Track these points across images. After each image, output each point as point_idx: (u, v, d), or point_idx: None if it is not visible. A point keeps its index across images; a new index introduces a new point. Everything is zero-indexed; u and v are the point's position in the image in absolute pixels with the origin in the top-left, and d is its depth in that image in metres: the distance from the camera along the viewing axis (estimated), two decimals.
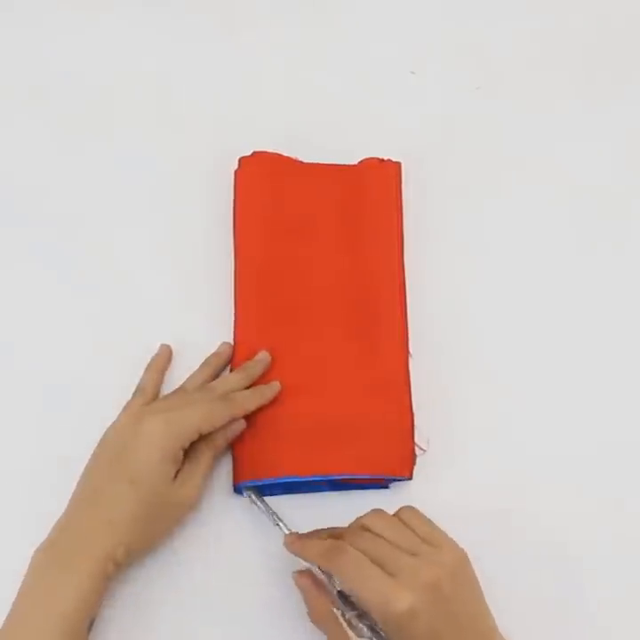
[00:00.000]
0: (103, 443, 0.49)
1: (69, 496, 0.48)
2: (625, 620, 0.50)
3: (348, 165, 0.61)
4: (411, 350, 0.55)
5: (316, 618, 0.46)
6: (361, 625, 0.44)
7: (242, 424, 0.51)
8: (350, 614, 0.45)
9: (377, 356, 0.54)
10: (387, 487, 0.52)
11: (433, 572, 0.44)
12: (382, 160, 0.61)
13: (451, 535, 0.50)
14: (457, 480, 0.53)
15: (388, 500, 0.51)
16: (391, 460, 0.52)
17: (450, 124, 0.66)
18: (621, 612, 0.50)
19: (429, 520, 0.47)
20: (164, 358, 0.56)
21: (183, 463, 0.48)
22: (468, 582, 0.46)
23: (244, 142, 0.62)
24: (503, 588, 0.49)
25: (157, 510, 0.47)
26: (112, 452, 0.48)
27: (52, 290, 0.58)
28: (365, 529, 0.46)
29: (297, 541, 0.48)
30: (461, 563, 0.46)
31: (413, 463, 0.52)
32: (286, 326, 0.56)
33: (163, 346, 0.56)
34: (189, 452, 0.49)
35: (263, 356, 0.54)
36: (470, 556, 0.49)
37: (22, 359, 0.56)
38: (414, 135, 0.65)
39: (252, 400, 0.52)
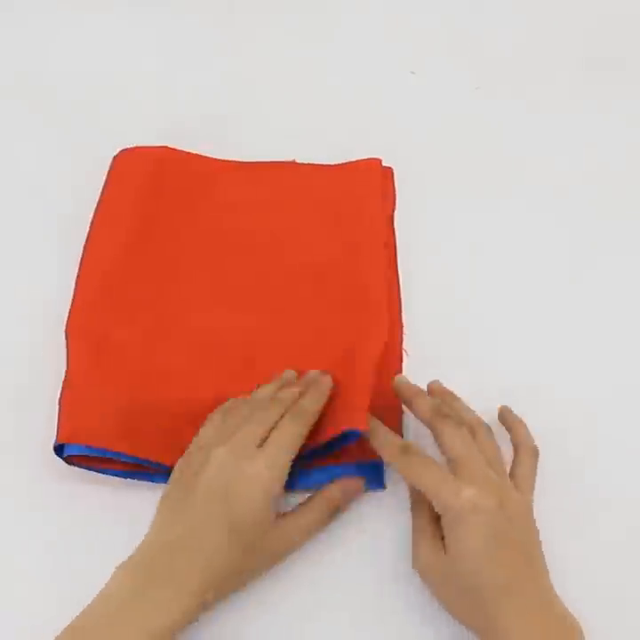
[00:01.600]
0: (200, 478, 0.45)
1: None
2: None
3: (315, 165, 0.62)
4: (406, 349, 0.55)
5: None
6: None
7: (361, 487, 0.49)
8: None
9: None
10: (383, 487, 0.52)
11: (503, 492, 0.44)
12: (361, 161, 0.62)
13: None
14: None
15: (387, 501, 0.51)
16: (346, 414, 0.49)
17: (449, 124, 0.66)
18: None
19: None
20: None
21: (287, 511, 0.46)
22: (530, 528, 0.45)
23: (244, 142, 0.62)
24: None
25: (256, 558, 0.45)
26: (211, 492, 0.44)
27: (54, 291, 0.58)
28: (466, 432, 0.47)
29: (374, 429, 0.47)
30: (529, 513, 0.46)
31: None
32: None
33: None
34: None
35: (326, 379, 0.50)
36: None
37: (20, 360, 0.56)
38: (414, 135, 0.65)
39: (318, 404, 0.48)
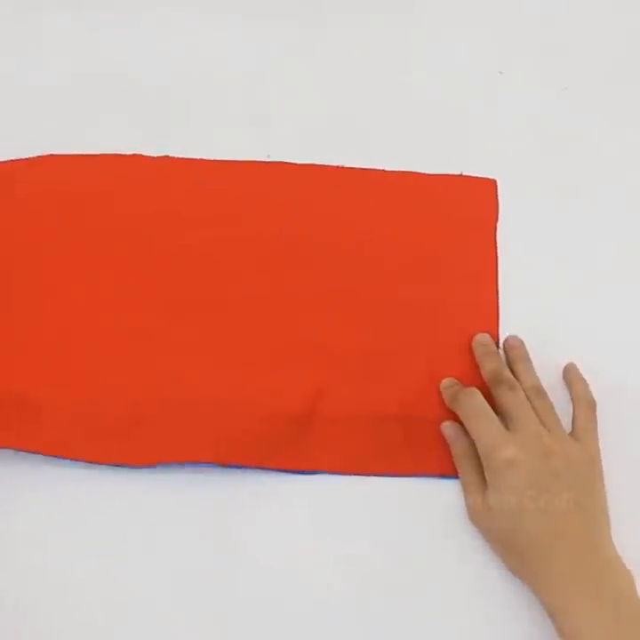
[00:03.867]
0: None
1: None
2: None
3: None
4: None
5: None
6: None
7: None
8: None
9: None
10: None
11: (553, 446, 0.46)
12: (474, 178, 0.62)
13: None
14: None
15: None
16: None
17: (538, 126, 0.64)
18: None
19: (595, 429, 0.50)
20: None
21: None
22: (584, 479, 0.46)
23: (329, 148, 0.64)
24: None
25: None
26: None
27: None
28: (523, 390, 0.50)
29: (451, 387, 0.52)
30: (589, 464, 0.47)
31: None
32: None
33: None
34: None
35: None
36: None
37: None
38: (505, 137, 0.64)
39: None
